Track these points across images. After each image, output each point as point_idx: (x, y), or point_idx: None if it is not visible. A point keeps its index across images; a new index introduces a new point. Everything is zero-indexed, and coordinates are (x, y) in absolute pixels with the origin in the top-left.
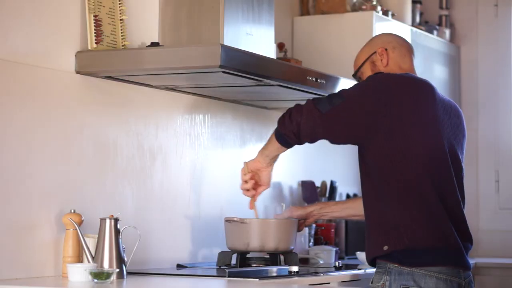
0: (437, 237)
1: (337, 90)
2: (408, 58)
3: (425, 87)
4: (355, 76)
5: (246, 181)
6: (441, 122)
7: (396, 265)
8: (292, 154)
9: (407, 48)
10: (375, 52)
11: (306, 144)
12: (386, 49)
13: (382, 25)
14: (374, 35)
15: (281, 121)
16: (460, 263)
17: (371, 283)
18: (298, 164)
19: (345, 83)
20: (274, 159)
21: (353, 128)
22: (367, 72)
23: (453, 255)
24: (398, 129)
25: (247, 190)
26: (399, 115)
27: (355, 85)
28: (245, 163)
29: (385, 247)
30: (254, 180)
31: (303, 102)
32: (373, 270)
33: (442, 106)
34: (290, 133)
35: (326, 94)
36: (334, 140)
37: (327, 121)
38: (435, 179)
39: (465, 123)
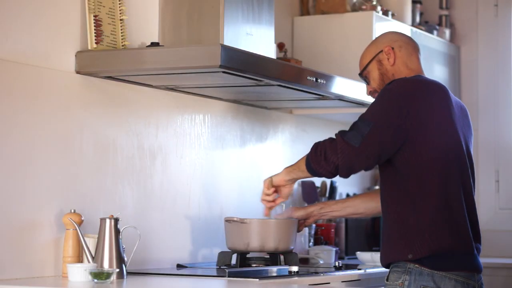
0: (458, 242)
1: (337, 90)
2: (415, 56)
3: (439, 89)
4: (361, 75)
5: (268, 194)
6: (457, 122)
7: (417, 266)
8: (292, 154)
9: (413, 47)
10: (381, 51)
11: (305, 144)
12: (392, 48)
13: (382, 25)
14: (378, 34)
15: (314, 159)
16: (474, 266)
17: (387, 280)
18: None
19: (345, 83)
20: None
21: (385, 148)
22: (373, 71)
23: (470, 259)
24: (419, 135)
25: (268, 201)
26: (419, 121)
27: (373, 103)
28: (271, 177)
29: (410, 255)
30: (276, 193)
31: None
32: (374, 270)
33: (455, 106)
34: (326, 172)
35: (326, 94)
36: (371, 167)
37: (363, 154)
38: (456, 181)
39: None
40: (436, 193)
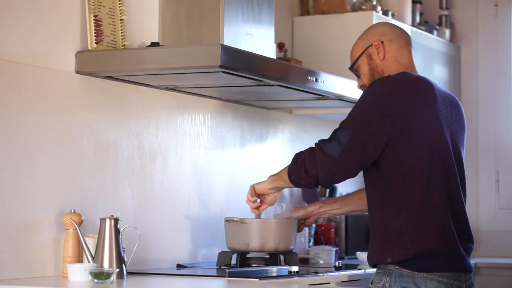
0: (441, 244)
1: (337, 90)
2: (406, 50)
3: (423, 87)
4: (351, 69)
5: (252, 201)
6: (442, 120)
7: (397, 267)
8: (292, 154)
9: (404, 40)
10: (371, 45)
11: (305, 144)
12: (382, 42)
13: None
14: (370, 26)
15: (295, 171)
16: (461, 267)
17: (371, 283)
18: None
19: (345, 83)
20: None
21: (367, 154)
22: (363, 65)
23: (455, 259)
24: (401, 138)
25: (252, 207)
26: (402, 124)
27: (354, 108)
28: (252, 186)
29: (389, 259)
30: (260, 200)
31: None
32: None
33: (443, 102)
34: (307, 184)
35: (326, 94)
36: (353, 176)
37: (343, 164)
38: (440, 181)
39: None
40: (418, 196)
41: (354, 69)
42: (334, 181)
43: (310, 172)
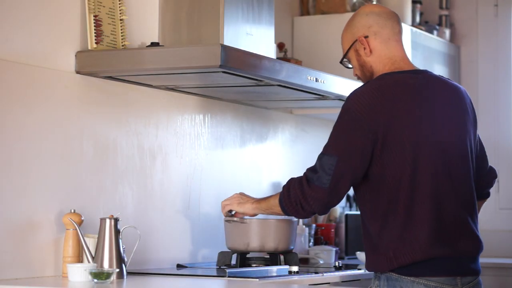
0: (428, 253)
1: (337, 90)
2: (393, 41)
3: (402, 90)
4: (341, 62)
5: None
6: (433, 120)
7: (386, 272)
8: (292, 154)
9: (390, 29)
10: (356, 40)
11: (305, 144)
12: (367, 37)
13: None
14: (356, 11)
15: (291, 208)
16: (456, 270)
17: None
18: (297, 164)
19: (345, 83)
20: None
21: (355, 173)
22: (353, 59)
23: (447, 264)
24: (384, 148)
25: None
26: (384, 136)
27: (334, 130)
28: (232, 206)
29: (378, 271)
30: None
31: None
32: None
33: (437, 98)
34: (305, 217)
35: (326, 94)
36: (346, 194)
37: (334, 190)
38: (426, 190)
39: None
40: (402, 208)
41: (344, 62)
42: (330, 207)
43: (307, 209)
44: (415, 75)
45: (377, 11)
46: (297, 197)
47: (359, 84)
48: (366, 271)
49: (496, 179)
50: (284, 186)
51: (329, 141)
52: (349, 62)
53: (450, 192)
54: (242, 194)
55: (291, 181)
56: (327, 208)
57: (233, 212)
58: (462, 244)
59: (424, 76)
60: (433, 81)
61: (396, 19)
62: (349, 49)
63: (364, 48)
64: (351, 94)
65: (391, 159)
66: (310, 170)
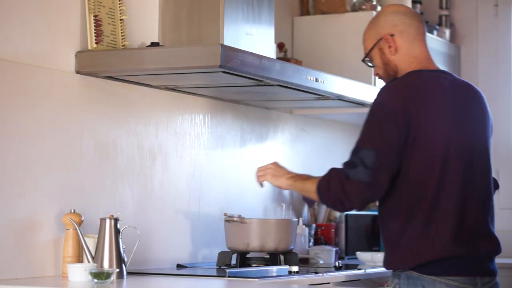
0: (450, 251)
1: (337, 90)
2: (419, 40)
3: (429, 88)
4: (364, 60)
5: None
6: (456, 120)
7: (406, 270)
8: (292, 154)
9: (416, 28)
10: (381, 38)
11: (305, 144)
12: (392, 35)
13: None
14: (380, 10)
15: (328, 202)
16: (476, 271)
17: (387, 285)
18: (298, 164)
19: (345, 83)
20: None
21: (393, 167)
22: (376, 58)
23: (468, 264)
24: (414, 144)
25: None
26: (414, 129)
27: (367, 125)
28: (268, 179)
29: (398, 269)
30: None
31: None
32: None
33: (456, 97)
34: (341, 211)
35: (326, 94)
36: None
37: (375, 185)
38: (452, 187)
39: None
40: (425, 205)
41: (367, 60)
42: (370, 203)
43: (346, 205)
44: (443, 75)
45: (402, 10)
46: (338, 193)
47: (358, 84)
48: (365, 269)
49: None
50: (324, 177)
51: (363, 135)
52: (371, 60)
53: (473, 192)
54: (276, 164)
55: (332, 173)
56: (367, 204)
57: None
58: (482, 244)
59: (452, 77)
60: (460, 83)
61: (420, 19)
62: (373, 47)
63: (389, 47)
64: (382, 89)
65: (421, 155)
66: (348, 165)
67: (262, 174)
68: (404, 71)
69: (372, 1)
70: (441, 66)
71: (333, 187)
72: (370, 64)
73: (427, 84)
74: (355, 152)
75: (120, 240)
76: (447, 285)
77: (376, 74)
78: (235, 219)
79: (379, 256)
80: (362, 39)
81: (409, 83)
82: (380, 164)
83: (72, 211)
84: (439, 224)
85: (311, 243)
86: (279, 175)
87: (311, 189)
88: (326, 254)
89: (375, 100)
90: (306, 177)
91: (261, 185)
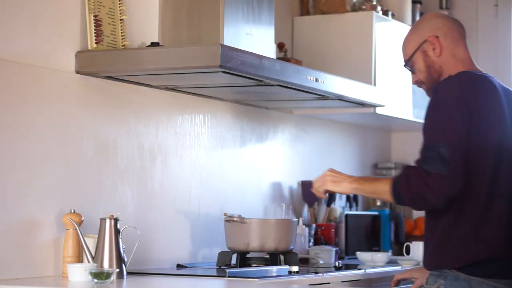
0: (500, 252)
1: (337, 90)
2: (461, 43)
3: (485, 86)
4: (406, 65)
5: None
6: (508, 119)
7: (454, 271)
8: (292, 154)
9: (459, 32)
10: (425, 41)
11: (305, 144)
12: (437, 37)
13: (382, 25)
14: (421, 17)
15: (409, 199)
16: None
17: (426, 283)
18: (298, 164)
19: (345, 83)
20: None
21: (467, 157)
22: (418, 62)
23: None
24: (472, 140)
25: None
26: (474, 123)
27: (432, 120)
28: (330, 187)
29: (447, 267)
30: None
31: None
32: (373, 270)
33: (505, 98)
34: (421, 209)
35: (326, 94)
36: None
37: (455, 176)
38: (504, 187)
39: None
40: (479, 204)
41: (409, 65)
42: (450, 197)
43: (430, 200)
44: (491, 78)
45: (444, 15)
46: (420, 188)
47: (358, 84)
48: (365, 269)
49: None
50: (400, 175)
51: (430, 130)
52: (412, 67)
53: None
54: (333, 170)
55: (408, 170)
56: (448, 198)
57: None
58: None
59: (496, 80)
60: (504, 87)
61: (462, 25)
62: (415, 51)
63: (434, 49)
64: (440, 86)
65: (476, 154)
66: (423, 161)
67: (321, 183)
68: (448, 72)
69: (372, 1)
70: None
71: (414, 183)
72: (410, 70)
73: (482, 82)
74: (427, 148)
75: (120, 240)
76: None
77: (415, 82)
78: (235, 219)
79: (379, 256)
80: (401, 47)
81: (466, 79)
82: (456, 156)
83: (72, 211)
84: (493, 223)
85: (311, 243)
86: (339, 180)
87: (383, 189)
88: (326, 254)
89: (435, 96)
90: (373, 179)
91: (324, 195)
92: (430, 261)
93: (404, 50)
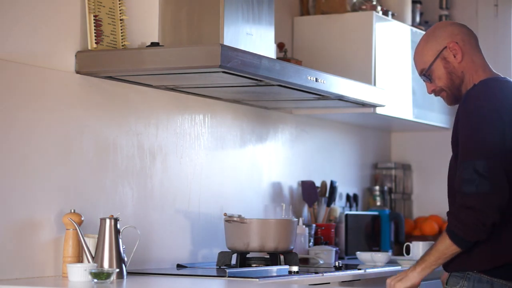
0: None
1: (337, 90)
2: (478, 49)
3: (510, 94)
4: (423, 75)
5: None
6: None
7: (476, 272)
8: (292, 154)
9: (475, 39)
10: (445, 47)
11: (305, 144)
12: (457, 43)
13: (382, 25)
14: (434, 26)
15: (470, 233)
16: None
17: (446, 283)
18: (298, 164)
19: (345, 83)
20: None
21: (506, 166)
22: (438, 69)
23: None
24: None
25: None
26: (508, 133)
27: (467, 134)
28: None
29: (470, 270)
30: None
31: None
32: (373, 270)
33: None
34: (485, 234)
35: (326, 94)
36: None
37: (498, 190)
38: None
39: None
40: (505, 207)
41: (427, 74)
42: (502, 207)
43: (487, 221)
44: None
45: (457, 23)
46: (470, 216)
47: (358, 84)
48: (365, 269)
49: None
50: (449, 222)
51: (467, 146)
52: (431, 74)
53: None
54: (392, 277)
55: (452, 213)
56: (501, 209)
57: None
58: None
59: None
60: None
61: (475, 35)
62: (435, 59)
63: (455, 55)
64: (469, 96)
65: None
66: (464, 183)
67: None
68: (470, 77)
69: (372, 1)
70: None
71: (464, 217)
72: (427, 79)
73: (508, 91)
74: (465, 166)
75: (120, 240)
76: None
77: (432, 91)
78: (235, 219)
79: (379, 256)
80: (415, 57)
81: (492, 87)
82: (495, 169)
83: (72, 211)
84: None
85: (311, 243)
86: (404, 276)
87: (445, 246)
88: (326, 254)
89: (466, 107)
90: (429, 249)
91: None
92: (456, 264)
93: (420, 60)
